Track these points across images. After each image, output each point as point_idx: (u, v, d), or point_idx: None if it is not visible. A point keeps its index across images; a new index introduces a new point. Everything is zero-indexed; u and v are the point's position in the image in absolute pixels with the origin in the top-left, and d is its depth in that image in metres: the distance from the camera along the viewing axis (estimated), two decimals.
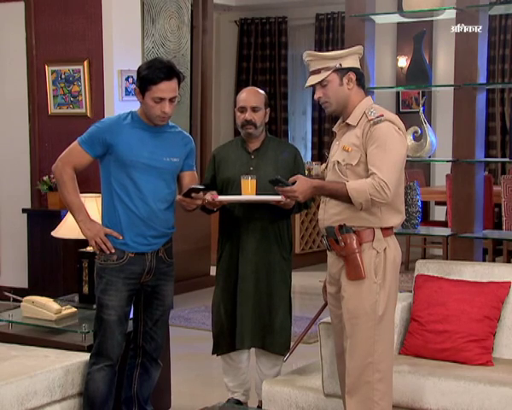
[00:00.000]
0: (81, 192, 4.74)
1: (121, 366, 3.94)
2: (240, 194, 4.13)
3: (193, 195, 3.77)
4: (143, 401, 4.03)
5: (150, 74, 3.70)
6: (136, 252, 3.79)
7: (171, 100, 3.74)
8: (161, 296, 3.92)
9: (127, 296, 3.81)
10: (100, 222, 3.90)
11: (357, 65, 3.50)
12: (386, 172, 3.31)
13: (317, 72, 3.46)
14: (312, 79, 3.48)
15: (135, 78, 3.98)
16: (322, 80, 3.45)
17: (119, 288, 3.77)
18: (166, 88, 3.70)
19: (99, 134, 3.79)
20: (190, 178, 3.96)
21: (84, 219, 3.83)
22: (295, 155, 4.37)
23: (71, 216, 4.72)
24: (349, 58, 3.46)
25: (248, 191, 4.11)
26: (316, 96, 3.52)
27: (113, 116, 3.95)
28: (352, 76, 3.46)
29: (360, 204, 3.34)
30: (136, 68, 3.85)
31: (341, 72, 3.45)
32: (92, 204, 4.50)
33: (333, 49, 3.58)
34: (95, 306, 4.42)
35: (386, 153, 3.34)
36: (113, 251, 3.78)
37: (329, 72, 3.44)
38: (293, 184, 3.42)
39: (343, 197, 3.37)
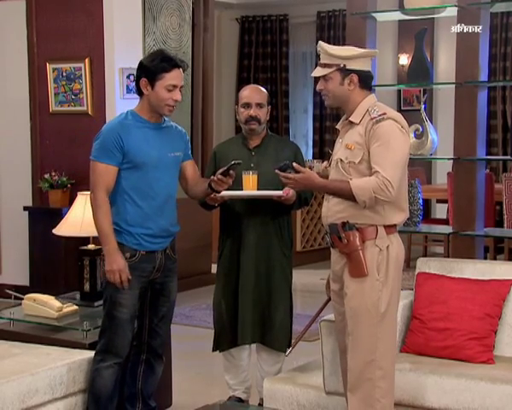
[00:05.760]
0: (82, 190, 4.76)
1: (123, 364, 3.94)
2: (241, 190, 4.14)
3: (231, 172, 3.81)
4: (147, 397, 4.04)
5: (162, 63, 3.73)
6: (147, 250, 3.80)
7: (180, 89, 3.79)
8: (167, 293, 3.94)
9: (139, 294, 3.83)
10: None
11: (365, 68, 3.48)
12: (390, 171, 3.32)
13: (323, 65, 3.49)
14: (317, 71, 3.52)
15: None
16: (325, 75, 3.48)
17: (132, 286, 3.77)
18: (178, 76, 3.76)
19: (112, 139, 3.72)
20: (193, 168, 4.02)
21: (110, 249, 3.72)
22: (296, 153, 4.37)
23: (71, 214, 4.75)
24: (356, 61, 3.46)
25: (250, 186, 4.13)
26: (317, 87, 3.56)
27: (114, 120, 3.89)
28: (355, 78, 3.46)
29: (364, 202, 3.35)
30: (137, 64, 3.84)
31: (344, 72, 3.46)
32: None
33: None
34: (96, 303, 4.42)
35: (389, 151, 3.35)
36: (126, 286, 3.73)
37: (332, 69, 3.46)
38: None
39: (347, 195, 3.38)
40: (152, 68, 3.73)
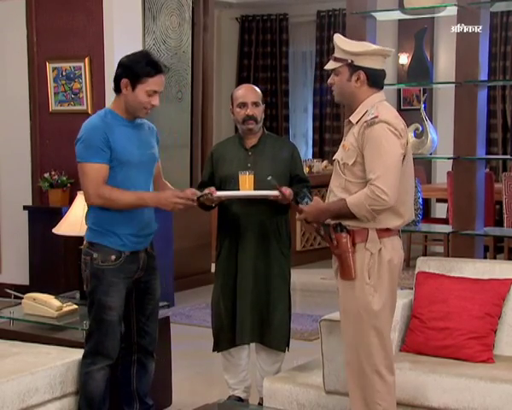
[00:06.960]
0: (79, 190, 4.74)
1: (113, 365, 3.91)
2: (238, 190, 4.14)
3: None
4: (144, 395, 4.03)
5: (147, 67, 3.67)
6: (132, 251, 3.79)
7: (160, 94, 3.75)
8: (152, 290, 3.94)
9: (125, 295, 3.82)
10: (84, 217, 3.90)
11: (376, 66, 3.40)
12: (382, 177, 3.24)
13: (334, 59, 3.45)
14: (328, 64, 3.48)
15: None
16: (334, 69, 3.45)
17: (120, 288, 3.76)
18: (161, 81, 3.72)
19: (99, 138, 3.69)
20: (158, 170, 3.99)
21: (151, 201, 3.75)
22: (292, 152, 4.37)
23: (71, 213, 4.75)
24: (365, 57, 3.38)
25: (246, 186, 4.12)
26: (328, 81, 3.53)
27: (94, 119, 3.82)
28: (362, 76, 3.39)
29: (364, 217, 3.30)
30: (119, 62, 3.78)
31: (352, 68, 3.40)
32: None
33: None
34: None
35: (380, 156, 3.27)
36: (196, 197, 3.80)
37: (341, 64, 3.42)
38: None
39: (349, 214, 3.33)
40: (136, 70, 3.68)
